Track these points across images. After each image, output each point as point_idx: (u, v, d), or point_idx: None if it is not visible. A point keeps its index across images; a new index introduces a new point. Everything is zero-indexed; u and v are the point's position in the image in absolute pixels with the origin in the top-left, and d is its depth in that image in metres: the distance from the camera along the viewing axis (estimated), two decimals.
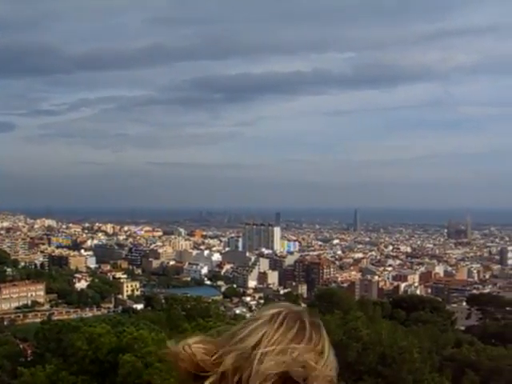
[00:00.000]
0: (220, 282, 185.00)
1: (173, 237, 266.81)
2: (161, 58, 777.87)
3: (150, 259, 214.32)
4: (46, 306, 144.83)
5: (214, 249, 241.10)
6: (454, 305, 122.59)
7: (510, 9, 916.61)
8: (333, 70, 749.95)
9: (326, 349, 2.43)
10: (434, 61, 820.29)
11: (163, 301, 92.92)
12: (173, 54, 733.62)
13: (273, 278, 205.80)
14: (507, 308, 70.36)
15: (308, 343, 2.40)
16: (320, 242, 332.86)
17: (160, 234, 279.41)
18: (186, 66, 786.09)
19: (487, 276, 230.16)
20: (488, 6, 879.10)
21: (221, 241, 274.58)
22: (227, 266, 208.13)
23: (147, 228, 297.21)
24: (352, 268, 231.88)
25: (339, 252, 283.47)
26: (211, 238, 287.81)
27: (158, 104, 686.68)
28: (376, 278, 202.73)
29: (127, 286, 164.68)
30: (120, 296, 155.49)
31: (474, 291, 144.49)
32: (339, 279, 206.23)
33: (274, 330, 2.39)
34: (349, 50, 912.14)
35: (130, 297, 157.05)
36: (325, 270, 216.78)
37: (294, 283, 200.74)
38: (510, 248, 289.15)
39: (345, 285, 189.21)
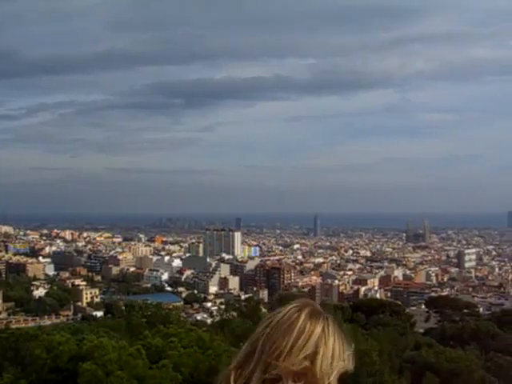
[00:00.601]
0: (181, 288, 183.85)
1: (133, 243, 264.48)
2: (121, 62, 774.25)
3: (110, 266, 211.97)
4: (4, 315, 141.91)
5: (174, 255, 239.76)
6: (413, 308, 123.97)
7: (468, 17, 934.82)
8: (293, 76, 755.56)
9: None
10: (393, 68, 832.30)
11: (123, 308, 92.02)
12: (133, 59, 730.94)
13: (234, 283, 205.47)
14: (465, 310, 71.55)
15: (342, 339, 2.66)
16: (281, 247, 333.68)
17: (120, 240, 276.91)
18: (146, 71, 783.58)
19: (445, 279, 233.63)
20: (446, 15, 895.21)
21: (181, 246, 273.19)
22: (188, 272, 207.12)
23: (107, 234, 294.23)
24: (312, 272, 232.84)
25: (300, 257, 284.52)
26: (171, 243, 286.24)
27: (117, 109, 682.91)
28: (336, 282, 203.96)
29: (86, 294, 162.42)
30: (79, 303, 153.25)
31: (433, 294, 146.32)
32: (300, 284, 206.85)
33: (325, 334, 2.58)
34: (309, 56, 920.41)
35: (89, 304, 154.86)
36: (285, 275, 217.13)
37: (254, 288, 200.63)
38: (467, 251, 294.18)
39: (305, 289, 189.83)
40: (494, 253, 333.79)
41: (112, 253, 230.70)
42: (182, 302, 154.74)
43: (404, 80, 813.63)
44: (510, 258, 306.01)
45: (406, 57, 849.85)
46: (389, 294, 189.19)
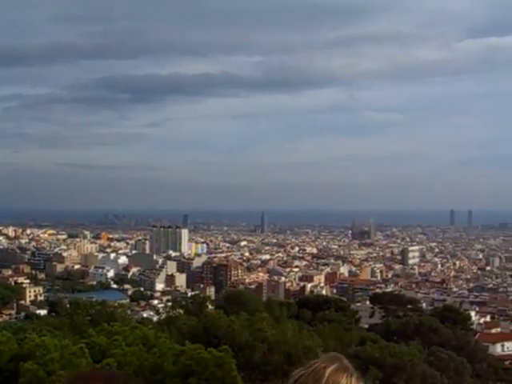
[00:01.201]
0: (127, 286, 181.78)
1: (78, 240, 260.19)
2: (67, 55, 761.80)
3: (54, 263, 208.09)
4: None
5: (120, 252, 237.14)
6: (359, 304, 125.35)
7: (414, 18, 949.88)
8: (241, 73, 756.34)
9: None
10: (341, 66, 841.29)
11: (68, 306, 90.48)
12: (79, 53, 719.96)
13: (180, 280, 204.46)
14: (408, 306, 72.64)
15: None
16: (228, 244, 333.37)
17: (64, 237, 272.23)
18: (93, 65, 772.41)
19: (389, 275, 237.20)
20: (393, 15, 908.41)
21: (127, 243, 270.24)
22: (134, 269, 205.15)
23: (51, 231, 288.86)
24: (259, 269, 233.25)
25: (247, 254, 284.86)
26: (118, 240, 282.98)
27: (62, 103, 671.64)
28: (283, 278, 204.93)
29: (30, 292, 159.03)
30: (22, 302, 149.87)
31: (377, 290, 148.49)
32: (247, 281, 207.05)
33: None
34: (258, 53, 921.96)
35: (32, 302, 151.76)
36: (232, 272, 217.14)
37: (201, 285, 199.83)
38: (410, 248, 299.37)
39: (252, 286, 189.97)
40: (436, 250, 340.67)
41: (56, 250, 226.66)
42: (128, 300, 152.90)
43: (351, 79, 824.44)
44: (451, 254, 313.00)
45: (353, 56, 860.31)
46: (334, 291, 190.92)
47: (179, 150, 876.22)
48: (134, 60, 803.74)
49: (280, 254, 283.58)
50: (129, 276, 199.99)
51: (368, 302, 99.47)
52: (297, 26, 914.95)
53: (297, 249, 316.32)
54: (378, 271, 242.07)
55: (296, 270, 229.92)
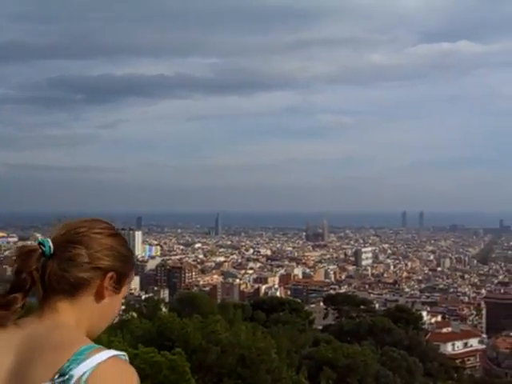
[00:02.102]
0: None
1: (29, 242, 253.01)
2: (18, 55, 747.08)
3: (5, 266, 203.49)
4: None
5: None
6: (312, 305, 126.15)
7: (368, 22, 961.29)
8: (196, 75, 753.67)
9: None
10: (295, 69, 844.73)
11: None
12: (31, 52, 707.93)
13: (134, 283, 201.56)
14: (361, 306, 73.37)
15: None
16: (182, 246, 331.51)
17: (15, 239, 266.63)
18: (46, 65, 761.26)
19: (343, 277, 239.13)
20: (347, 19, 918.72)
21: None
22: None
23: (1, 233, 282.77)
24: (214, 271, 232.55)
25: (201, 256, 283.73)
26: None
27: (13, 103, 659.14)
28: (237, 281, 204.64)
29: None
30: None
31: (331, 291, 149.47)
32: (201, 283, 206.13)
33: None
34: (212, 55, 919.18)
35: None
36: (187, 274, 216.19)
37: (155, 288, 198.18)
38: (363, 250, 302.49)
39: (207, 288, 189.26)
40: (389, 251, 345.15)
41: (7, 253, 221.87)
42: None
43: (306, 82, 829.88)
44: (403, 256, 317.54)
45: (308, 59, 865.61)
46: (289, 292, 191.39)
47: (133, 151, 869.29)
48: (88, 60, 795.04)
49: (234, 256, 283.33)
50: None
51: (322, 304, 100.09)
52: (253, 29, 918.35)
53: (251, 251, 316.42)
54: (331, 272, 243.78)
55: (250, 271, 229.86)
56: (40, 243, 2.41)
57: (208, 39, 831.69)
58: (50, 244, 2.38)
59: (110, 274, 2.34)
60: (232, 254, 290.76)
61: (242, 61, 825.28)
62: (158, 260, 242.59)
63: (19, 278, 2.30)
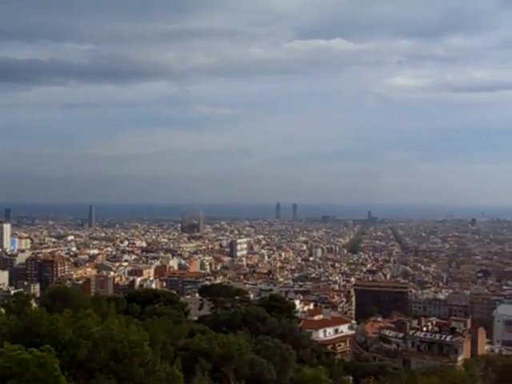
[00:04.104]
0: None
1: None
2: None
3: None
4: None
5: None
6: (188, 296, 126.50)
7: (247, 16, 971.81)
8: (71, 62, 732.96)
9: None
10: (174, 60, 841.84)
11: None
12: None
13: (2, 278, 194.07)
14: (236, 297, 74.10)
15: None
16: (54, 239, 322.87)
17: None
18: None
19: (218, 267, 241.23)
20: (226, 12, 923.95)
21: None
22: None
23: None
24: (87, 264, 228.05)
25: (74, 248, 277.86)
26: None
27: None
28: (112, 273, 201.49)
29: None
30: None
31: (207, 282, 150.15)
32: (74, 276, 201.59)
33: None
34: (89, 41, 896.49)
35: None
36: (59, 268, 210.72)
37: (25, 283, 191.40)
38: (238, 241, 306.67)
39: (80, 282, 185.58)
40: (263, 242, 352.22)
41: None
42: None
43: (184, 73, 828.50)
44: (277, 246, 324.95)
45: (186, 50, 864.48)
46: (164, 284, 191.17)
47: (2, 139, 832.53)
48: None
49: (109, 249, 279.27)
50: None
51: (197, 295, 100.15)
52: (131, 16, 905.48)
53: (126, 243, 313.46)
54: (207, 264, 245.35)
55: (125, 264, 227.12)
56: None
57: (84, 25, 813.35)
58: None
59: None
60: (106, 247, 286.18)
61: (119, 49, 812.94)
62: (28, 253, 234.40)
63: None
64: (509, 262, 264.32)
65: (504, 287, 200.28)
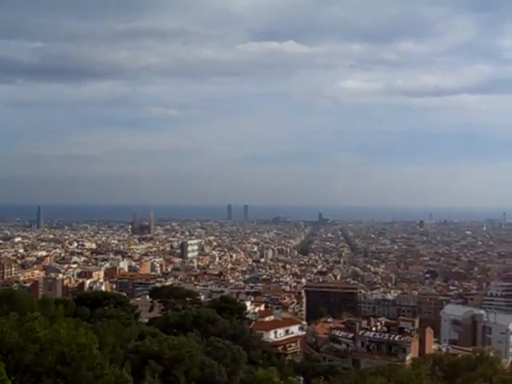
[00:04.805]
0: None
1: None
2: None
3: None
4: None
5: None
6: (138, 298, 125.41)
7: (199, 17, 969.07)
8: (20, 59, 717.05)
9: None
10: (125, 59, 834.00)
11: None
12: None
13: None
14: (187, 298, 73.93)
15: None
16: (0, 241, 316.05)
17: None
18: None
19: (169, 269, 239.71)
20: (178, 12, 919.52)
21: None
22: None
23: None
24: (35, 266, 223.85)
25: (21, 250, 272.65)
26: None
27: None
28: (60, 275, 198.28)
29: None
30: None
31: (157, 284, 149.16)
32: (21, 278, 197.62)
33: None
34: (38, 39, 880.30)
35: None
36: (6, 270, 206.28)
37: None
38: (189, 242, 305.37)
39: (28, 284, 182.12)
40: (214, 243, 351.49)
41: None
42: None
43: (135, 73, 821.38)
44: (229, 248, 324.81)
45: (137, 50, 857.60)
46: (114, 286, 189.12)
47: None
48: None
49: (57, 250, 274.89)
50: None
51: (148, 297, 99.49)
52: (82, 15, 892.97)
53: (75, 244, 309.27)
54: (157, 265, 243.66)
55: (74, 266, 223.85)
56: None
57: (33, 22, 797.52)
58: None
59: None
60: (55, 248, 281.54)
61: (69, 47, 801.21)
62: None
63: None
64: (455, 263, 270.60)
65: (451, 287, 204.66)
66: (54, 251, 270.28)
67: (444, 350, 77.44)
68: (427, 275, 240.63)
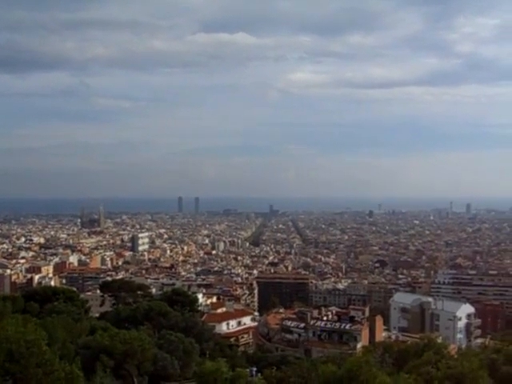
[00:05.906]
0: None
1: None
2: None
3: None
4: None
5: None
6: (89, 293, 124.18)
7: (149, 7, 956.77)
8: None
9: None
10: (72, 50, 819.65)
11: None
12: None
13: None
14: (138, 292, 73.48)
15: None
16: None
17: None
18: None
19: (120, 262, 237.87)
20: (127, 2, 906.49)
21: None
22: None
23: None
24: None
25: None
26: None
27: None
28: (8, 271, 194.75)
29: None
30: None
31: (108, 278, 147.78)
32: None
33: None
34: None
35: None
36: None
37: None
38: (140, 235, 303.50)
39: None
40: (165, 236, 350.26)
41: None
42: None
43: (83, 64, 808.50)
44: (180, 240, 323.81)
45: (85, 41, 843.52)
46: (64, 281, 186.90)
47: None
48: None
49: (4, 246, 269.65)
50: None
51: (98, 291, 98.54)
52: (28, 4, 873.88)
53: (23, 239, 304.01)
54: (108, 259, 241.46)
55: (22, 261, 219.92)
56: None
57: None
58: None
59: None
60: (2, 244, 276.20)
61: (15, 37, 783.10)
62: None
63: None
64: (404, 252, 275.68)
65: (400, 276, 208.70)
66: (0, 246, 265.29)
67: (393, 337, 78.89)
68: (376, 264, 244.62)
